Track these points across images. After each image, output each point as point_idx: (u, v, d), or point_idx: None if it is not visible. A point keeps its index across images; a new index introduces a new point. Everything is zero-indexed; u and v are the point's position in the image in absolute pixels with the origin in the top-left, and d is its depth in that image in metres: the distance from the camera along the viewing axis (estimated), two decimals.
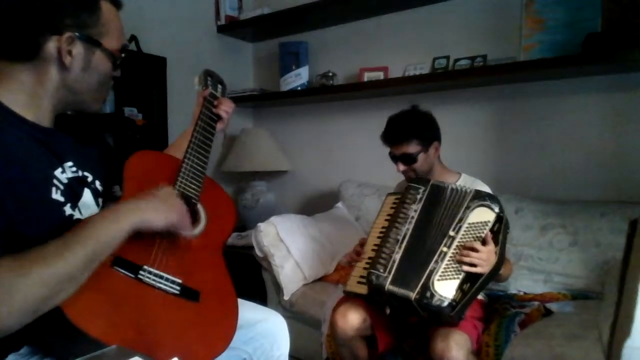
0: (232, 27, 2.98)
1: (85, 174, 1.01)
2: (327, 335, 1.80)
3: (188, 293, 1.02)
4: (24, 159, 0.85)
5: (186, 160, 1.14)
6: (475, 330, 1.50)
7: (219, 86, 1.33)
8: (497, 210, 1.44)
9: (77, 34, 0.90)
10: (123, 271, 0.94)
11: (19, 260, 0.75)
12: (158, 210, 0.94)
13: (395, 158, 1.71)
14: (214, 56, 2.96)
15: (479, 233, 1.41)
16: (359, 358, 1.62)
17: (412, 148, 1.65)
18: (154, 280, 0.97)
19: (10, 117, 0.87)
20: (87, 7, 0.92)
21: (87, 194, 1.00)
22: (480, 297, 1.70)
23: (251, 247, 2.23)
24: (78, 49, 0.91)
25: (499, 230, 1.42)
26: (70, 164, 0.97)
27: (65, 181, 0.94)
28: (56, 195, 0.91)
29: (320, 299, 2.02)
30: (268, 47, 3.14)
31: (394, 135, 1.69)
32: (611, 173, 2.03)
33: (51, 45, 0.88)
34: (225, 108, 1.30)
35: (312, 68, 2.82)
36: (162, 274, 0.99)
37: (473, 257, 1.36)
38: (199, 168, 1.16)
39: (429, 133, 1.69)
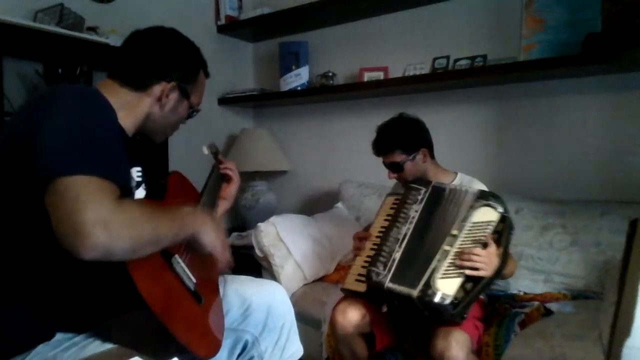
0: (232, 27, 2.98)
1: (143, 184, 1.20)
2: (328, 335, 1.81)
3: (196, 293, 1.09)
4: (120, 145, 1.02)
5: (204, 195, 1.36)
6: (476, 330, 1.49)
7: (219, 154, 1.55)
8: (500, 210, 1.44)
9: (179, 85, 1.16)
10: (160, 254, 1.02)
11: (149, 209, 0.91)
12: (213, 232, 1.07)
13: (385, 165, 1.75)
14: (214, 56, 2.90)
15: (482, 232, 1.41)
16: (358, 356, 1.62)
17: (397, 157, 1.69)
18: (180, 270, 1.06)
19: (114, 115, 1.02)
20: (192, 71, 1.21)
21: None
22: (480, 296, 1.70)
23: (251, 247, 2.23)
24: (174, 95, 1.16)
25: (502, 231, 1.42)
26: (138, 169, 1.17)
27: (134, 180, 1.13)
28: (132, 184, 1.10)
29: (320, 299, 2.02)
30: (268, 47, 3.14)
31: (378, 146, 1.74)
32: (611, 173, 2.03)
33: (157, 88, 1.12)
34: (230, 166, 1.53)
35: (312, 68, 2.82)
36: (186, 267, 1.09)
37: (475, 260, 1.36)
38: (210, 204, 1.37)
39: (413, 142, 1.70)
